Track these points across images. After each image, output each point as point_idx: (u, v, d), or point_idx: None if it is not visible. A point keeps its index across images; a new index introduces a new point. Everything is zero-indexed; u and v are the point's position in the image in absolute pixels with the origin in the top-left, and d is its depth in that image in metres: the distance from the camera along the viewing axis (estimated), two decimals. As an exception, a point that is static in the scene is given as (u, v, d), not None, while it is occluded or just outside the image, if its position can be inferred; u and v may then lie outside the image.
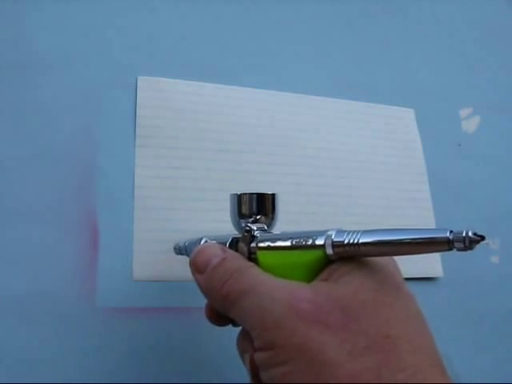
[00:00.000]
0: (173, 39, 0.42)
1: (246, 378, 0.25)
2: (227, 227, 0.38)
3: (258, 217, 0.29)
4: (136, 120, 0.39)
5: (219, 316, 0.28)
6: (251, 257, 0.27)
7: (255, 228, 0.28)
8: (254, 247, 0.27)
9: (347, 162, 0.43)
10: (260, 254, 0.26)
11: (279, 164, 0.41)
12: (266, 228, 0.29)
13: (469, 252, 0.24)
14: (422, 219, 0.44)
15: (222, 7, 0.44)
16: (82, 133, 0.37)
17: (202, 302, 0.36)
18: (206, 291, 0.26)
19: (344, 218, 0.41)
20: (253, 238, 0.27)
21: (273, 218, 0.30)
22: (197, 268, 0.27)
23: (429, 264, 0.42)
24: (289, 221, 0.40)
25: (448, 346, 0.39)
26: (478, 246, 0.20)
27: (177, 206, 0.38)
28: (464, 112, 0.50)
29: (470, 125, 0.50)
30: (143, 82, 0.40)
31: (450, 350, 0.40)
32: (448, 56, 0.52)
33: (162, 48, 0.41)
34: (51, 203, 0.35)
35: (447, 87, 0.50)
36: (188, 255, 0.31)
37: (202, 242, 0.30)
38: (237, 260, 0.26)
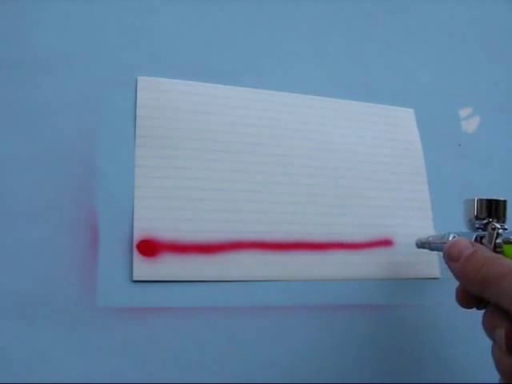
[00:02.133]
0: (173, 39, 0.42)
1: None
2: (226, 227, 0.38)
3: (490, 219, 0.34)
4: (136, 120, 0.39)
5: (469, 299, 0.33)
6: (496, 250, 0.32)
7: (499, 226, 0.33)
8: (499, 242, 0.33)
9: (347, 162, 0.43)
10: (506, 248, 0.32)
11: (279, 164, 0.41)
12: (506, 227, 0.34)
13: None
14: (421, 219, 0.44)
15: (222, 7, 0.44)
16: (81, 133, 0.37)
17: (201, 302, 0.36)
18: (461, 276, 0.32)
19: (343, 217, 0.42)
20: (497, 234, 0.33)
21: (504, 221, 0.35)
22: (451, 257, 0.33)
23: (426, 265, 0.42)
24: (288, 220, 0.40)
25: (447, 345, 0.40)
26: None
27: (177, 206, 0.38)
28: (464, 112, 0.50)
29: (470, 125, 0.50)
30: (143, 82, 0.40)
31: (450, 349, 0.40)
32: (448, 56, 0.52)
33: (162, 48, 0.41)
34: (51, 203, 0.35)
35: (447, 87, 0.50)
36: (430, 249, 0.39)
37: (451, 238, 0.36)
38: (486, 251, 0.32)
